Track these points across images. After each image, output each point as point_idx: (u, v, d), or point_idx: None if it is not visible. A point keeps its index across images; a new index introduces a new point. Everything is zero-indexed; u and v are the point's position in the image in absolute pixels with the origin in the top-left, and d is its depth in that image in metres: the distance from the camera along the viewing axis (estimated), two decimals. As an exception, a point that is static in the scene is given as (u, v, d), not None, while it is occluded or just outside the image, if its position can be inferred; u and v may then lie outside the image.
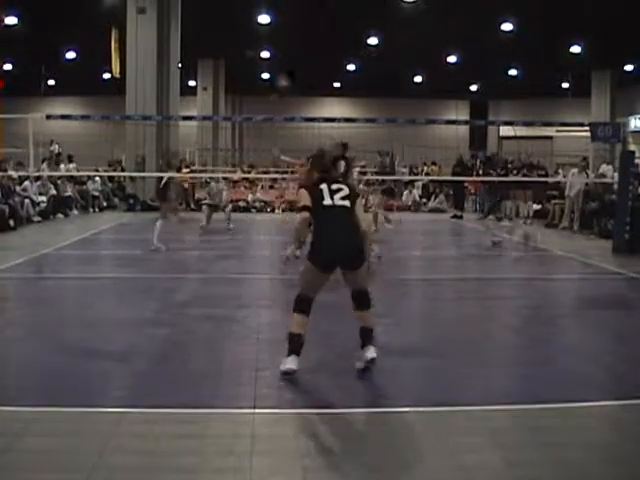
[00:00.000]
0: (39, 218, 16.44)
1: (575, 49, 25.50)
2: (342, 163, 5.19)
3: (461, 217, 19.56)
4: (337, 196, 4.97)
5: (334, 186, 5.02)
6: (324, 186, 5.02)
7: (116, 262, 10.74)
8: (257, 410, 4.30)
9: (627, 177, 12.14)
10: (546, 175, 19.17)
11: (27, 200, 16.12)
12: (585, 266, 10.77)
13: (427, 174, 25.50)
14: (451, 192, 22.69)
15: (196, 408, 4.34)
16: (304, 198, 5.00)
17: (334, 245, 4.92)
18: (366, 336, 4.99)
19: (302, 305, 4.98)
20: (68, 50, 27.53)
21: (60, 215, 17.83)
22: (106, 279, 9.10)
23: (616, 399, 4.63)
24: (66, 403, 4.38)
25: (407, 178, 23.44)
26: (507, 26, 23.03)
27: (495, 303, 8.15)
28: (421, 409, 4.40)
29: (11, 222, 14.59)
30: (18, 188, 16.34)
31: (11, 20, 22.37)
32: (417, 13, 21.02)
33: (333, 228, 4.93)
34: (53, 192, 17.92)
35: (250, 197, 21.34)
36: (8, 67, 29.39)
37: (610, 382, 5.17)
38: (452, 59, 28.25)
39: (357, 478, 3.51)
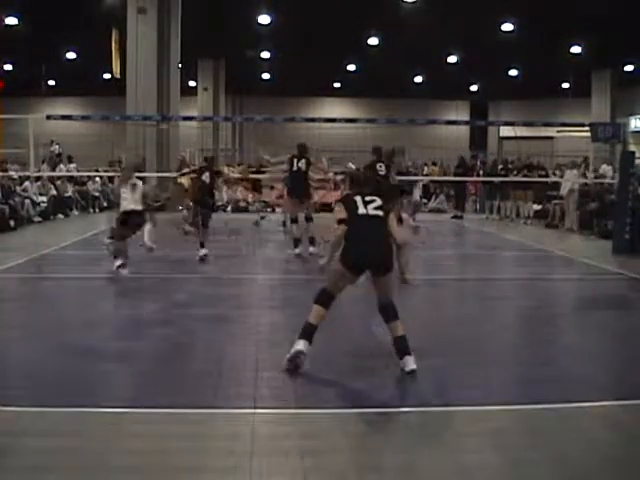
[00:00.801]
0: (39, 218, 16.44)
1: (575, 49, 25.49)
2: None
3: (461, 217, 19.57)
4: (370, 206, 5.33)
5: (368, 198, 5.39)
6: (358, 198, 5.38)
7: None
8: (257, 410, 4.30)
9: (627, 177, 12.15)
10: (546, 175, 19.18)
11: (27, 200, 16.13)
12: (585, 266, 10.77)
13: (427, 174, 25.50)
14: (451, 192, 22.71)
15: (196, 408, 4.34)
16: (340, 212, 5.34)
17: (365, 249, 5.21)
18: (401, 346, 5.10)
19: (324, 298, 5.23)
20: (68, 50, 27.53)
21: (60, 215, 17.84)
22: (106, 279, 9.10)
23: (616, 399, 4.63)
24: (66, 403, 4.38)
25: (412, 178, 23.42)
26: (507, 26, 23.01)
27: (495, 303, 8.15)
28: (421, 409, 4.40)
29: (11, 222, 14.60)
30: (18, 188, 16.35)
31: (11, 20, 22.38)
32: (417, 13, 21.00)
33: (365, 234, 5.24)
34: (53, 192, 17.94)
35: (250, 197, 21.34)
36: (8, 67, 29.40)
37: (610, 382, 5.17)
38: (452, 59, 28.22)
39: (357, 478, 3.51)
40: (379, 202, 5.38)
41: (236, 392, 4.67)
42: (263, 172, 18.57)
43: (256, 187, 19.80)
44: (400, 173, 13.37)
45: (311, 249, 10.61)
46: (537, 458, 3.71)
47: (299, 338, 5.11)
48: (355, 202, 5.33)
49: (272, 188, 22.07)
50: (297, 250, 10.73)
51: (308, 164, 11.08)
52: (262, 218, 16.70)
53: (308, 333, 5.12)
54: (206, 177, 10.65)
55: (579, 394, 4.77)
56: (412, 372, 4.96)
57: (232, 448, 3.76)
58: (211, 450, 3.76)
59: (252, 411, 4.28)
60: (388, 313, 5.24)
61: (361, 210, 5.28)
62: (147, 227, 9.36)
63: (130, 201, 8.98)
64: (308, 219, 10.98)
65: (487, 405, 4.45)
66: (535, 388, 4.84)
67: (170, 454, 3.70)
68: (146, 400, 4.49)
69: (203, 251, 10.30)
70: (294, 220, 11.11)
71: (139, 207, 9.01)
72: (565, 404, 4.51)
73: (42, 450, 3.72)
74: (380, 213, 5.32)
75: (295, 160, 11.04)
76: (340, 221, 5.28)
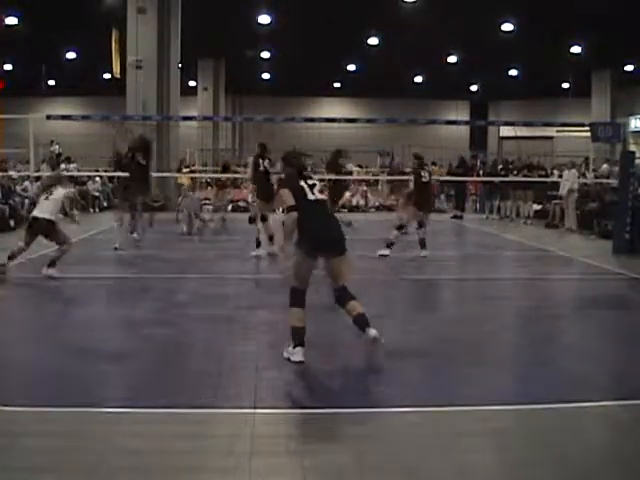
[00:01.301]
0: (39, 218, 16.41)
1: (575, 49, 25.49)
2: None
3: (461, 217, 19.57)
4: (315, 190, 5.46)
5: (310, 181, 5.50)
6: (303, 183, 5.44)
7: (116, 262, 10.73)
8: (257, 410, 4.30)
9: (627, 177, 12.14)
10: (546, 175, 19.18)
11: (27, 200, 16.12)
12: (585, 266, 10.77)
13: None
14: (452, 192, 22.70)
15: (196, 408, 4.34)
16: (289, 198, 5.34)
17: (322, 232, 5.31)
18: (362, 321, 5.20)
19: (297, 298, 5.29)
20: (68, 50, 27.54)
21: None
22: (106, 279, 9.10)
23: (616, 399, 4.63)
24: (66, 403, 4.38)
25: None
26: (507, 26, 23.01)
27: (495, 303, 8.15)
28: (421, 409, 4.40)
29: (11, 222, 14.60)
30: (18, 188, 16.35)
31: (11, 20, 22.38)
32: (417, 13, 21.00)
33: (320, 218, 5.38)
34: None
35: (250, 197, 21.33)
36: (8, 67, 29.40)
37: (610, 382, 5.17)
38: (452, 59, 28.23)
39: (357, 478, 3.51)
40: (319, 185, 5.56)
41: (236, 392, 4.67)
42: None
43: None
44: (339, 173, 13.49)
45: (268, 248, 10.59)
46: (537, 458, 3.71)
47: (294, 346, 5.14)
48: (302, 188, 5.39)
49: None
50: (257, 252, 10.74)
51: (271, 164, 10.96)
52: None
53: (300, 338, 5.16)
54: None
55: (579, 394, 4.77)
56: (376, 339, 5.08)
57: (232, 448, 3.76)
58: (211, 450, 3.76)
59: (252, 411, 4.28)
60: (345, 297, 5.30)
61: (310, 196, 5.38)
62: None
63: (40, 209, 8.97)
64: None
65: (487, 405, 4.45)
66: (535, 388, 4.84)
67: (170, 454, 3.70)
68: (146, 400, 4.49)
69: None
70: (262, 219, 10.98)
71: (46, 216, 8.87)
72: (565, 404, 4.51)
73: (42, 450, 3.72)
74: (325, 196, 5.56)
75: (260, 160, 10.91)
76: (290, 208, 5.31)
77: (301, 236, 5.29)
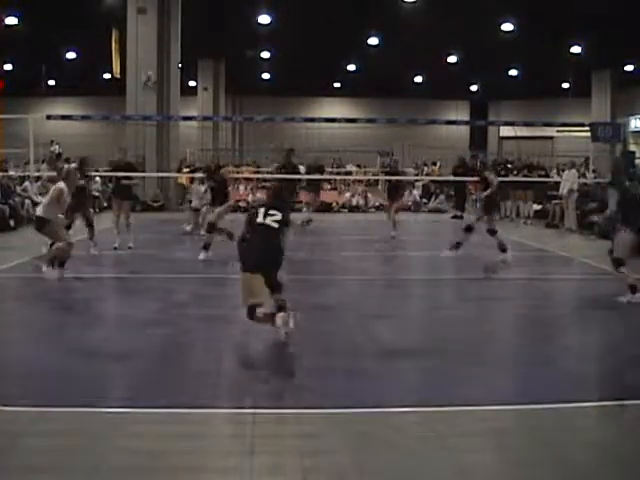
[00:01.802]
0: (39, 218, 16.41)
1: (575, 49, 25.48)
2: None
3: (461, 217, 19.55)
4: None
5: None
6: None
7: (116, 262, 10.74)
8: (257, 410, 4.30)
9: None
10: (546, 175, 19.18)
11: (27, 200, 16.12)
12: (585, 266, 10.77)
13: (427, 174, 25.51)
14: (451, 192, 22.70)
15: (196, 408, 4.34)
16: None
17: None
18: (282, 306, 5.75)
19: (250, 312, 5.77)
20: (68, 50, 27.52)
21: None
22: (106, 279, 9.10)
23: (616, 399, 4.63)
24: (66, 403, 4.38)
25: (413, 178, 23.48)
26: (507, 26, 22.99)
27: (495, 303, 8.15)
28: (421, 409, 4.40)
29: (11, 222, 14.60)
30: (18, 188, 16.35)
31: (11, 20, 22.36)
32: (417, 13, 20.99)
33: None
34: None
35: (250, 197, 21.34)
36: (8, 67, 29.37)
37: (610, 382, 5.17)
38: (452, 59, 28.22)
39: (357, 478, 3.51)
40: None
41: (236, 392, 4.67)
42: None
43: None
44: (288, 172, 13.48)
45: None
46: (537, 458, 3.71)
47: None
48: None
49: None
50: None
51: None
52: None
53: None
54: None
55: (579, 394, 4.77)
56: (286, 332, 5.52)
57: (232, 448, 3.77)
58: (211, 450, 3.76)
59: (252, 411, 4.28)
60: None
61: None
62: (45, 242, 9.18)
63: (40, 207, 8.96)
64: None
65: (487, 405, 4.45)
66: (535, 388, 4.84)
67: (170, 454, 3.70)
68: (146, 400, 4.49)
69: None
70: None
71: (40, 214, 8.80)
72: (565, 404, 4.51)
73: (42, 450, 3.72)
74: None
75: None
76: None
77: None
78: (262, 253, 5.83)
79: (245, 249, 5.97)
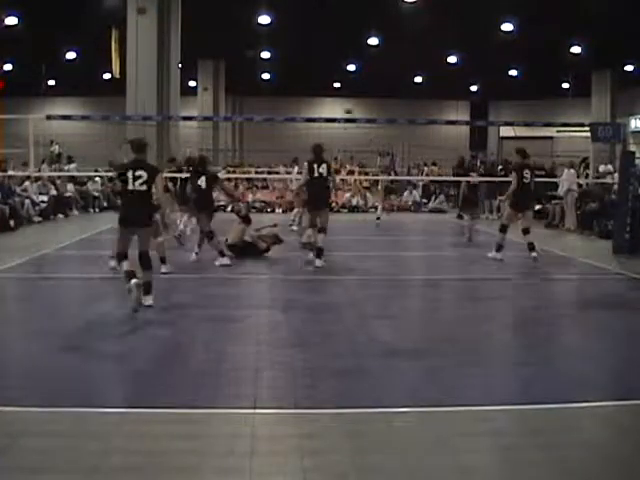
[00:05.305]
0: (39, 218, 16.42)
1: (575, 49, 25.47)
2: None
3: (462, 217, 19.53)
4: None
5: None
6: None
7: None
8: (257, 410, 4.30)
9: (627, 177, 12.14)
10: (546, 175, 19.17)
11: (27, 200, 16.12)
12: (585, 266, 10.77)
13: (427, 175, 25.50)
14: (452, 192, 22.68)
15: (196, 408, 4.34)
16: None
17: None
18: (148, 288, 6.96)
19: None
20: (68, 50, 27.49)
21: (60, 215, 17.82)
22: (106, 279, 9.09)
23: (616, 399, 4.64)
24: (66, 403, 4.38)
25: (412, 178, 23.47)
26: (507, 26, 22.98)
27: (495, 303, 8.15)
28: (421, 409, 4.40)
29: (11, 222, 14.59)
30: (18, 188, 16.34)
31: (11, 20, 22.35)
32: (417, 13, 20.98)
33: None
34: (53, 192, 17.93)
35: (250, 197, 21.35)
36: (8, 67, 29.35)
37: (610, 382, 5.17)
38: (452, 59, 28.20)
39: (357, 478, 3.51)
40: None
41: (236, 392, 4.67)
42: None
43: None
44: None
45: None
46: (537, 458, 3.71)
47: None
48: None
49: (265, 188, 22.13)
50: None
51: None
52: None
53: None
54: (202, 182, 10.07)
55: (579, 394, 4.77)
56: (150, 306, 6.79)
57: (232, 448, 3.77)
58: (211, 450, 3.76)
59: (252, 411, 4.28)
60: (143, 262, 7.08)
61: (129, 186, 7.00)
62: None
63: None
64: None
65: (487, 405, 4.45)
66: (535, 388, 4.84)
67: (170, 454, 3.70)
68: (146, 400, 4.49)
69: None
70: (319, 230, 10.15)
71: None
72: (565, 404, 4.52)
73: (42, 450, 3.72)
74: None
75: (315, 166, 9.82)
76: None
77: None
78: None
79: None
